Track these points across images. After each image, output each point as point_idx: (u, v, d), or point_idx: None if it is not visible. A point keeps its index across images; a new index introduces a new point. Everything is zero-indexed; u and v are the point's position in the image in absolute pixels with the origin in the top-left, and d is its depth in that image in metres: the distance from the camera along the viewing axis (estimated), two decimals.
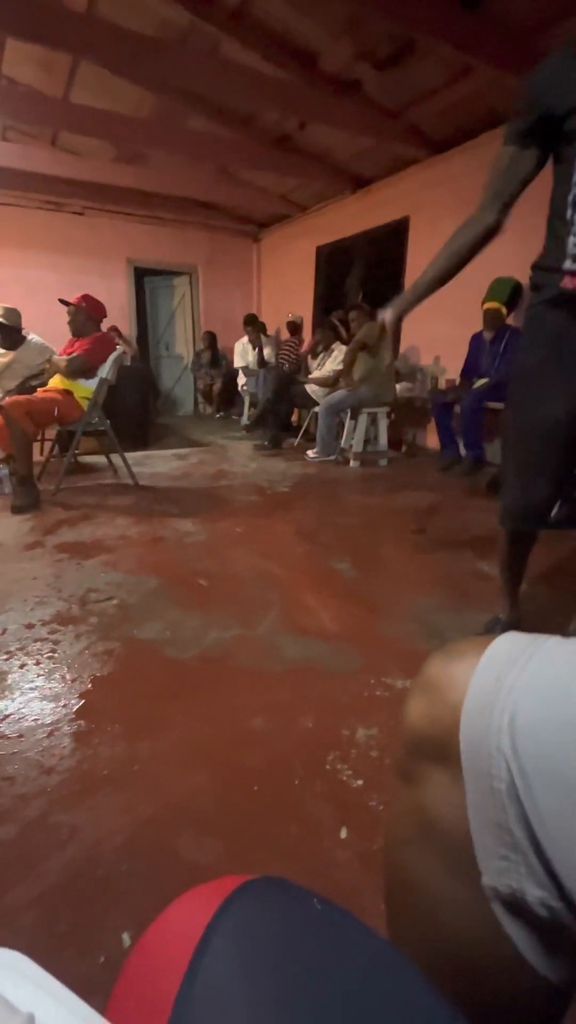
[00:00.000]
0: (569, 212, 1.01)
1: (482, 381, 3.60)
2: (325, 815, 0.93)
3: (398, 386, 4.27)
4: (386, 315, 1.31)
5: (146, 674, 1.34)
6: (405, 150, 4.23)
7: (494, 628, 1.48)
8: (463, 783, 0.35)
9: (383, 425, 4.08)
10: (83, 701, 1.23)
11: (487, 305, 3.57)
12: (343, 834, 0.90)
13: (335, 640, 1.51)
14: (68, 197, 5.88)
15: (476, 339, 3.75)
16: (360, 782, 1.00)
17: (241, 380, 5.80)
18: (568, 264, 1.03)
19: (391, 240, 4.86)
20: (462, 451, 3.76)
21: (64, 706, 1.21)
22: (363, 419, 3.97)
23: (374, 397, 3.93)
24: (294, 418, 5.31)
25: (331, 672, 1.36)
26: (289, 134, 4.56)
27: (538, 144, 1.06)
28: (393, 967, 0.28)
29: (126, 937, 0.73)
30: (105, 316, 3.18)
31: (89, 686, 1.29)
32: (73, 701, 1.23)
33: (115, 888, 0.80)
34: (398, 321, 1.30)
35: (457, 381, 3.91)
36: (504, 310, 3.55)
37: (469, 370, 3.78)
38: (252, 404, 5.52)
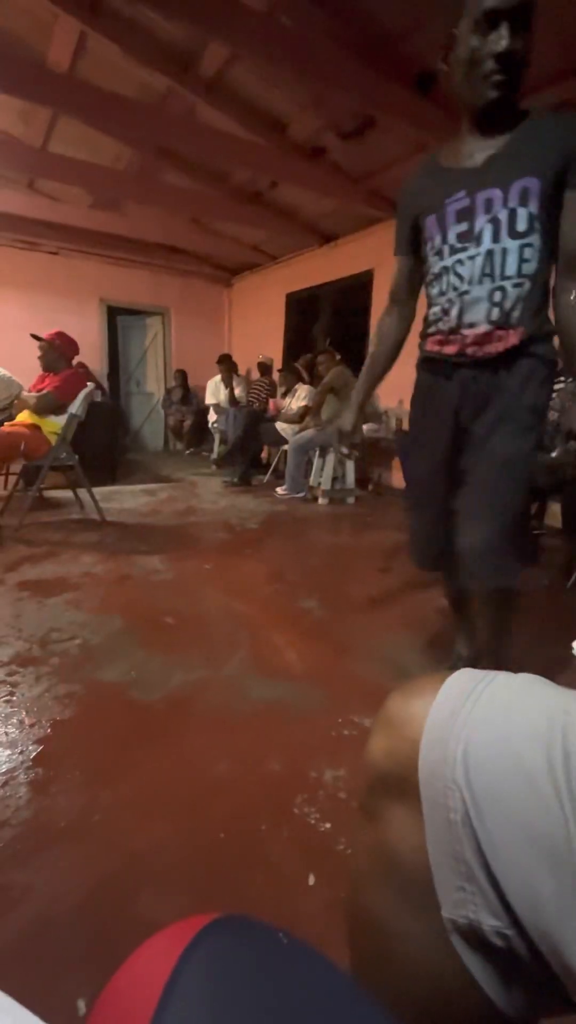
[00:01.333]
0: (429, 288, 1.21)
1: None
2: (292, 862, 0.91)
3: (364, 427, 4.42)
4: (341, 431, 1.45)
5: (109, 718, 1.30)
6: (368, 211, 4.53)
7: (456, 665, 1.51)
8: (422, 817, 0.37)
9: (350, 464, 4.20)
10: (41, 747, 1.18)
11: None
12: (311, 881, 0.88)
13: (302, 680, 1.51)
14: (43, 237, 5.99)
15: None
16: (328, 825, 0.99)
17: (212, 417, 5.88)
18: (430, 330, 1.21)
19: (357, 291, 5.13)
20: None
21: (21, 753, 1.16)
22: (331, 458, 4.07)
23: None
24: (264, 455, 5.40)
25: (298, 713, 1.35)
26: (261, 191, 4.84)
27: (412, 252, 1.28)
28: (358, 1003, 0.28)
29: (81, 1004, 0.69)
30: (77, 353, 3.21)
31: (48, 731, 1.24)
32: (31, 747, 1.17)
33: (71, 952, 0.76)
34: (352, 433, 1.44)
35: None
36: None
37: None
38: (222, 441, 5.58)
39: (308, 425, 4.24)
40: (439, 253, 1.14)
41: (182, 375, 6.80)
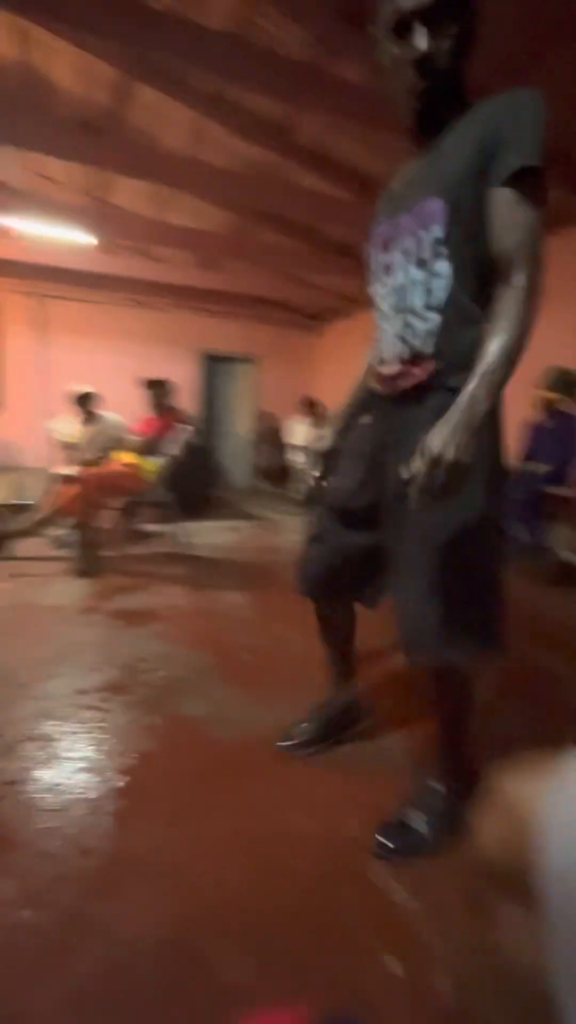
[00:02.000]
0: (379, 321, 1.06)
1: (540, 466, 3.56)
2: (372, 940, 0.84)
3: None
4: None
5: (189, 754, 1.31)
6: None
7: (314, 711, 1.37)
8: (543, 921, 0.32)
9: None
10: (127, 778, 1.21)
11: (543, 394, 3.61)
12: (392, 965, 0.80)
13: (387, 734, 1.43)
14: (152, 295, 6.66)
15: (534, 427, 3.76)
16: (414, 904, 0.91)
17: (296, 457, 6.02)
18: (376, 364, 1.08)
19: None
20: (521, 537, 3.65)
21: (107, 781, 1.19)
22: None
23: None
24: None
25: (382, 770, 1.27)
26: (352, 244, 5.04)
27: None
28: None
29: None
30: (177, 399, 3.47)
31: (134, 761, 1.27)
32: (117, 776, 1.21)
33: (146, 998, 0.74)
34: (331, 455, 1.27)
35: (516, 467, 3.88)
36: (558, 398, 3.57)
37: (529, 456, 3.76)
38: (306, 480, 5.67)
39: None
40: (371, 284, 1.05)
41: (270, 417, 7.09)
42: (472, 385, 0.81)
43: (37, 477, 4.90)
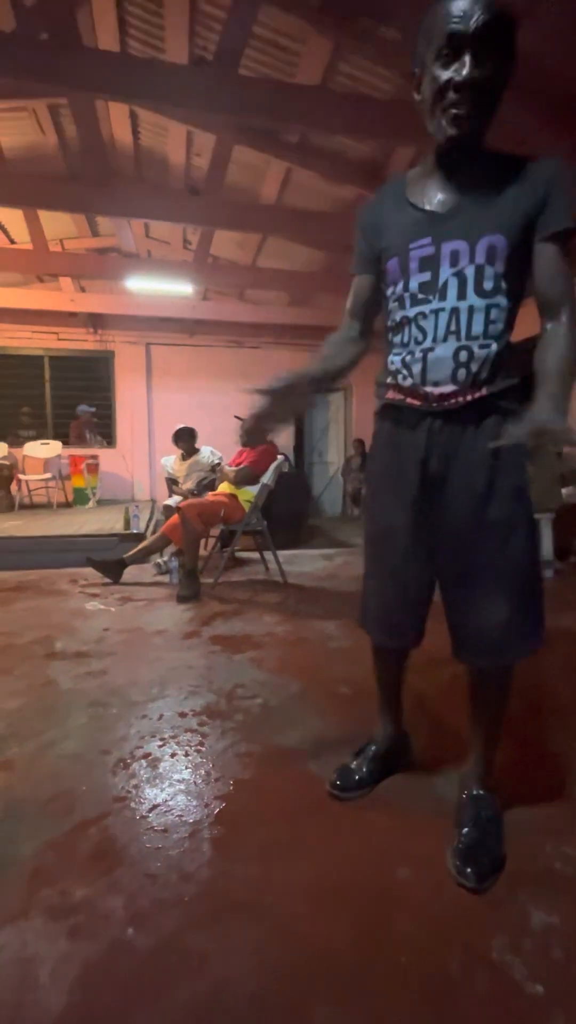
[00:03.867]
0: (389, 335, 1.11)
1: None
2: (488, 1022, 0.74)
3: (564, 490, 3.94)
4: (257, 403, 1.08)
5: (285, 787, 1.29)
6: None
7: (365, 751, 1.33)
8: None
9: (547, 532, 3.73)
10: (224, 804, 1.21)
11: None
12: None
13: (500, 787, 1.30)
14: (247, 336, 7.04)
15: None
16: (539, 989, 0.79)
17: None
18: (388, 379, 1.11)
19: None
20: None
21: (206, 806, 1.20)
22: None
23: (536, 502, 3.66)
24: None
25: None
26: None
27: (371, 271, 1.16)
28: None
29: None
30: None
31: (230, 788, 1.27)
32: (215, 803, 1.21)
33: None
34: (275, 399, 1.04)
35: None
36: None
37: None
38: None
39: None
40: (400, 301, 1.05)
41: (360, 444, 7.06)
42: (549, 386, 0.92)
43: (144, 508, 5.30)
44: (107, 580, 3.30)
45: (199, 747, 1.46)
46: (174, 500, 3.76)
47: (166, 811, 1.19)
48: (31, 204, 3.94)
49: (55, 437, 6.90)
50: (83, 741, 1.48)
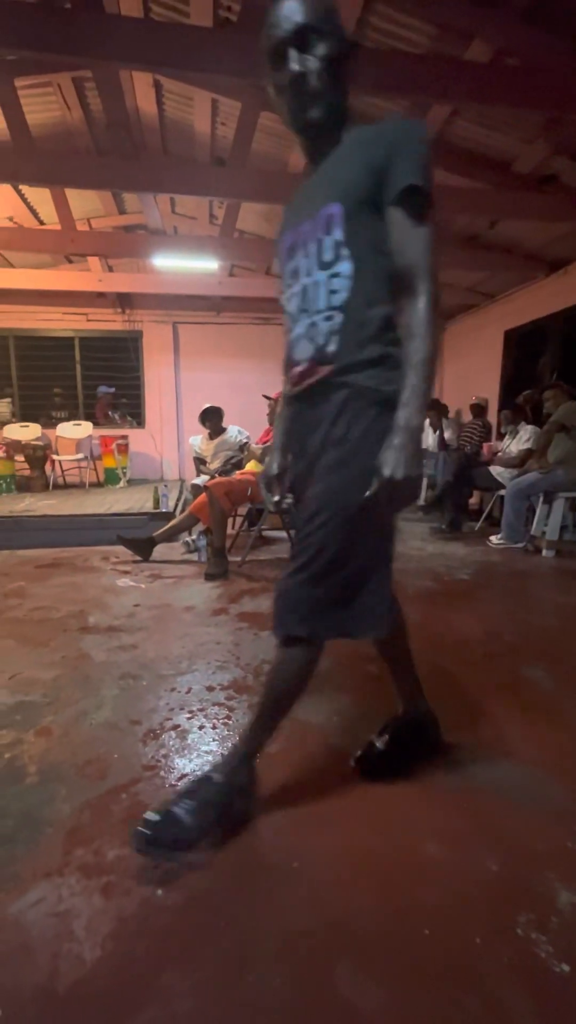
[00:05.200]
0: (288, 325, 1.07)
1: None
2: (515, 1000, 0.74)
3: None
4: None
5: (311, 761, 1.30)
6: None
7: (386, 729, 1.30)
8: None
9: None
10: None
11: None
12: None
13: (527, 765, 1.28)
14: (275, 312, 6.93)
15: None
16: (565, 968, 0.78)
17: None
18: (288, 367, 1.09)
19: None
20: None
21: None
22: (560, 504, 3.57)
23: (574, 481, 3.53)
24: (473, 501, 5.04)
25: (523, 805, 1.14)
26: (478, 234, 4.74)
27: None
28: None
29: None
30: None
31: (258, 760, 1.29)
32: None
33: (266, 1003, 0.74)
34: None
35: None
36: None
37: None
38: (430, 486, 5.43)
39: (531, 467, 3.82)
40: (281, 292, 1.09)
41: None
42: (404, 407, 0.88)
43: (173, 488, 5.37)
44: (137, 558, 3.36)
45: (226, 720, 1.49)
46: (202, 479, 3.79)
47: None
48: (59, 182, 3.92)
49: (86, 418, 7.02)
50: (115, 711, 1.53)
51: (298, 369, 1.03)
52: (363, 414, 0.96)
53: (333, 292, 0.95)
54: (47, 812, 1.11)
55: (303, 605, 1.00)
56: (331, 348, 0.96)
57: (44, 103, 4.17)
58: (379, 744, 1.28)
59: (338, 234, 0.94)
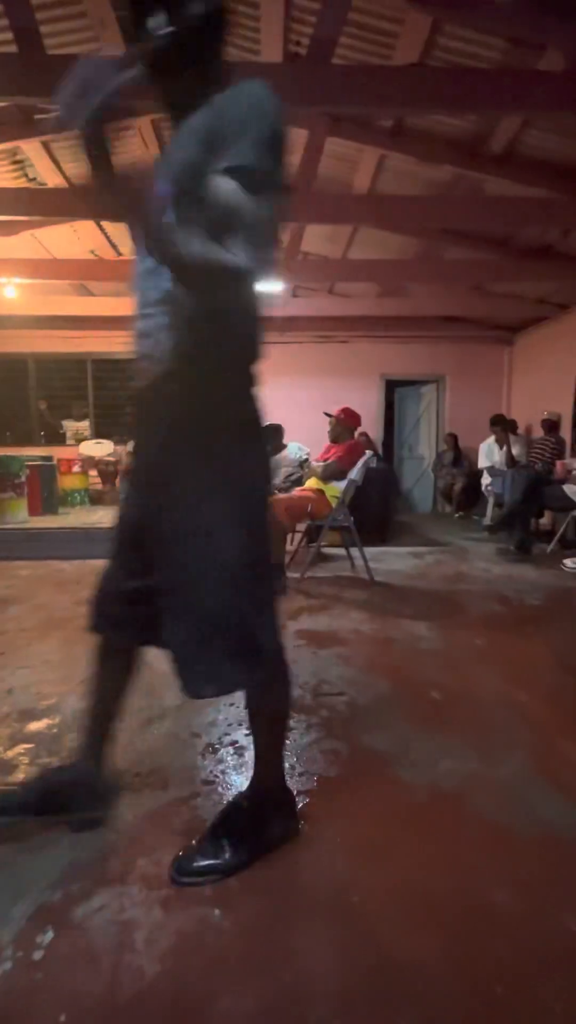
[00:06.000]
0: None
1: None
2: None
3: None
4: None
5: (371, 790, 1.26)
6: None
7: (38, 778, 1.12)
8: None
9: None
10: (308, 799, 1.21)
11: None
12: None
13: None
14: (335, 330, 6.98)
15: None
16: None
17: (485, 480, 5.58)
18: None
19: None
20: None
21: None
22: None
23: None
24: (545, 521, 4.77)
25: None
26: (551, 244, 4.57)
27: None
28: None
29: None
30: (359, 425, 3.54)
31: (315, 784, 1.27)
32: (299, 798, 1.21)
33: None
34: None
35: None
36: None
37: None
38: (497, 504, 5.20)
39: None
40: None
41: (453, 438, 6.74)
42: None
43: None
44: None
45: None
46: None
47: None
48: None
49: None
50: (176, 722, 1.56)
51: (138, 367, 0.96)
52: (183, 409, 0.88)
53: (158, 286, 0.87)
54: (111, 817, 1.14)
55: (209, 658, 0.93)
56: (158, 346, 0.89)
57: (125, 146, 4.50)
58: (21, 791, 1.11)
59: (169, 217, 0.83)
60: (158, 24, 0.82)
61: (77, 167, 4.41)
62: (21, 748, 1.42)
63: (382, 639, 2.29)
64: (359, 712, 1.63)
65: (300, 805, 1.18)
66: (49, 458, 5.51)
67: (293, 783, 1.27)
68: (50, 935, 0.86)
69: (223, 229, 0.76)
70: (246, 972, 0.81)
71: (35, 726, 1.54)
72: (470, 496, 6.39)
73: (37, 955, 0.83)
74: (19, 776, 1.29)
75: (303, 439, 4.29)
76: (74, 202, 3.99)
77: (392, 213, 3.85)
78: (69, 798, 1.06)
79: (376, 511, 4.77)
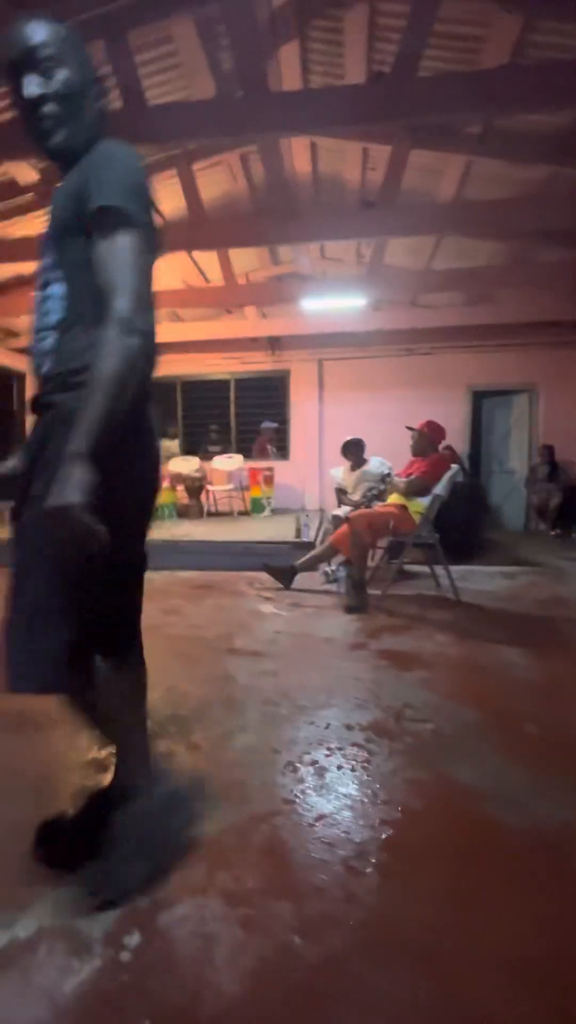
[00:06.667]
0: None
1: None
2: None
3: None
4: None
5: (461, 826, 1.17)
6: None
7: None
8: None
9: None
10: (392, 831, 1.15)
11: None
12: None
13: None
14: (419, 342, 6.84)
15: None
16: None
17: None
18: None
19: None
20: None
21: (372, 828, 1.16)
22: None
23: None
24: None
25: None
26: None
27: None
28: None
29: None
30: (444, 439, 3.41)
31: (398, 815, 1.21)
32: (382, 827, 1.16)
33: None
34: None
35: None
36: None
37: None
38: None
39: None
40: None
41: (548, 451, 6.28)
42: (76, 432, 0.79)
43: (314, 518, 5.50)
44: (279, 585, 3.48)
45: (365, 764, 1.42)
46: (343, 511, 3.81)
47: (332, 824, 1.18)
48: (225, 245, 4.42)
49: (237, 451, 7.61)
50: (256, 736, 1.57)
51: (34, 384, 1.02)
52: (61, 436, 0.84)
53: (46, 313, 0.97)
54: (195, 827, 1.16)
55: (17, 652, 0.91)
56: (46, 367, 0.96)
57: (214, 180, 4.78)
58: (70, 815, 1.10)
59: (50, 257, 0.97)
60: (31, 88, 0.91)
61: (172, 204, 4.75)
62: (112, 749, 1.49)
63: (470, 664, 2.15)
64: (445, 741, 1.54)
65: (384, 836, 1.14)
66: None
67: (377, 811, 1.22)
68: (136, 938, 0.88)
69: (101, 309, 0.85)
70: (331, 1011, 0.77)
71: None
72: (567, 513, 5.91)
73: (124, 957, 0.85)
74: (109, 777, 1.36)
75: (386, 453, 4.22)
76: (169, 236, 4.28)
77: (480, 219, 3.72)
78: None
79: (462, 528, 4.55)
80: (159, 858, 1.03)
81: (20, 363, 7.23)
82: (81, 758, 1.44)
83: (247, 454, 7.58)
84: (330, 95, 2.88)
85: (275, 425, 7.66)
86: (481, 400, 7.16)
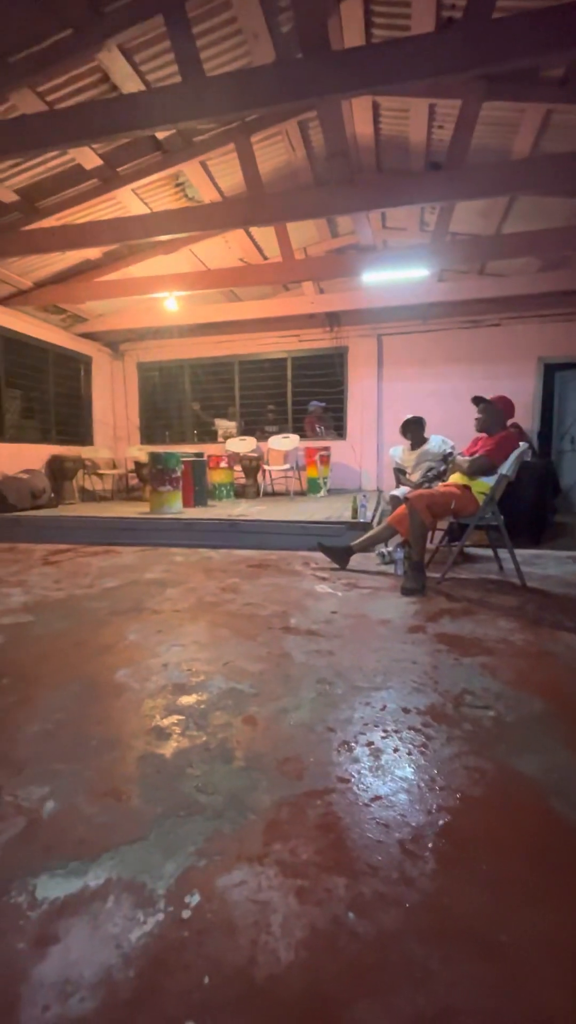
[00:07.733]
0: None
1: None
2: None
3: None
4: None
5: (523, 818, 1.13)
6: None
7: None
8: None
9: None
10: (449, 818, 1.13)
11: None
12: None
13: None
14: (486, 313, 6.46)
15: None
16: None
17: None
18: None
19: None
20: None
21: (429, 814, 1.14)
22: None
23: None
24: None
25: None
26: None
27: None
28: None
29: None
30: (513, 415, 3.21)
31: (457, 802, 1.18)
32: (439, 813, 1.14)
33: None
34: None
35: None
36: None
37: None
38: None
39: None
40: None
41: None
42: None
43: (371, 498, 5.41)
44: (335, 565, 3.46)
45: (422, 748, 1.40)
46: (401, 491, 3.71)
47: (388, 805, 1.17)
48: (284, 219, 4.32)
49: (294, 431, 7.58)
50: (312, 714, 1.58)
51: None
52: None
53: None
54: (250, 799, 1.19)
55: None
56: None
57: (273, 151, 4.67)
58: None
59: None
60: None
61: (230, 180, 4.70)
62: (174, 719, 1.56)
63: (536, 652, 2.06)
64: (508, 730, 1.48)
65: (441, 822, 1.12)
66: (200, 455, 6.00)
67: (434, 797, 1.20)
68: (197, 898, 0.92)
69: None
70: (383, 986, 0.78)
71: (185, 700, 1.68)
72: None
73: (185, 914, 0.89)
74: (172, 744, 1.42)
75: (448, 431, 4.05)
76: (227, 214, 4.25)
77: (560, 173, 3.41)
78: None
79: (530, 510, 4.33)
80: (218, 822, 1.06)
81: (87, 348, 7.53)
82: (144, 726, 1.51)
83: (304, 434, 7.54)
84: (395, 48, 2.70)
85: (323, 404, 7.55)
86: (553, 373, 6.69)
